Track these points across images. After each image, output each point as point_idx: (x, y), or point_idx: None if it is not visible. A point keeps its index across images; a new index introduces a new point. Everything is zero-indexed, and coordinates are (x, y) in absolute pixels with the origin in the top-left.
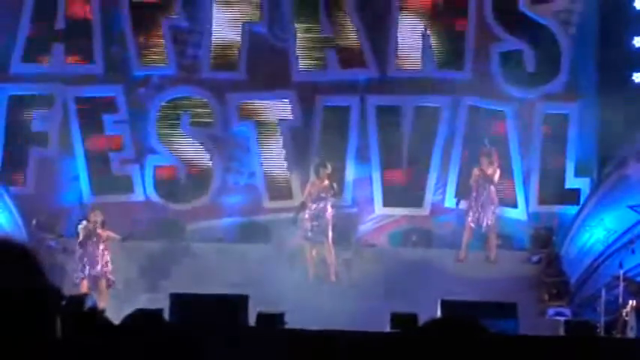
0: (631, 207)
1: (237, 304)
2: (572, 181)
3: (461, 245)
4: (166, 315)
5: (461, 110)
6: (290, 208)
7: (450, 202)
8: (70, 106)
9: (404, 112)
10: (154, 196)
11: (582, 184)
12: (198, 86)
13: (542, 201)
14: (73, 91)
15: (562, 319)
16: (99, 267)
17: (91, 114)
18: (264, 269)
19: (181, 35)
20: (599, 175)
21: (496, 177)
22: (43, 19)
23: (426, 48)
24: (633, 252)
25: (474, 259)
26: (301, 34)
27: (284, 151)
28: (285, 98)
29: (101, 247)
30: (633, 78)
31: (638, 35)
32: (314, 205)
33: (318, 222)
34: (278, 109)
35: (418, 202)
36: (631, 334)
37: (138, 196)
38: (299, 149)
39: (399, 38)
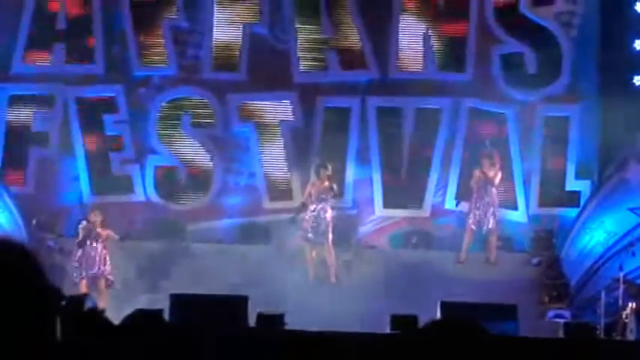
0: (631, 209)
1: (237, 304)
2: (572, 184)
3: (461, 247)
4: (166, 315)
5: (461, 112)
6: (290, 209)
7: (450, 203)
8: (70, 106)
9: (405, 114)
10: (154, 197)
11: (583, 186)
12: (199, 87)
13: (542, 203)
14: (73, 91)
15: (562, 321)
16: (98, 267)
17: (92, 114)
18: (264, 270)
19: (182, 36)
20: (600, 177)
21: (497, 179)
22: (43, 18)
23: (427, 50)
24: (633, 254)
25: (474, 261)
26: (302, 35)
27: (284, 152)
28: (286, 99)
29: (100, 247)
30: (634, 81)
31: (639, 38)
32: (314, 206)
33: (318, 223)
34: (278, 110)
35: (418, 204)
36: (631, 336)
37: (138, 196)
38: (299, 150)
39: (400, 40)
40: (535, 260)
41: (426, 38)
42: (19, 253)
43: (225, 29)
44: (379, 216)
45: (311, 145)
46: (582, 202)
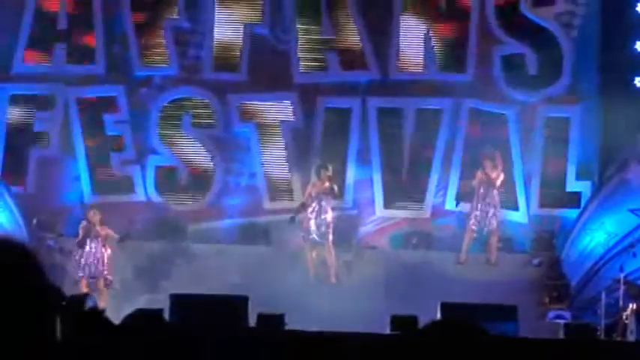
0: (632, 210)
1: (237, 305)
2: (573, 185)
3: (461, 248)
4: (166, 315)
5: (462, 113)
6: (291, 210)
7: (450, 204)
8: (71, 106)
9: (405, 115)
10: (155, 197)
11: (583, 187)
12: (200, 87)
13: (543, 204)
14: (74, 91)
15: (562, 322)
16: (97, 266)
17: (93, 114)
18: (264, 270)
19: (183, 36)
20: (601, 178)
21: (499, 181)
22: (44, 19)
23: (427, 50)
24: (634, 255)
25: (474, 262)
26: (303, 36)
27: (285, 153)
28: (287, 100)
29: (99, 246)
30: (635, 82)
31: (639, 39)
32: (315, 207)
33: (318, 224)
34: (279, 110)
35: (419, 205)
36: (631, 337)
37: (139, 196)
38: (300, 151)
39: (400, 40)
40: (535, 261)
41: (426, 39)
42: (19, 253)
43: (226, 29)
44: (379, 216)
45: (311, 145)
46: (583, 203)
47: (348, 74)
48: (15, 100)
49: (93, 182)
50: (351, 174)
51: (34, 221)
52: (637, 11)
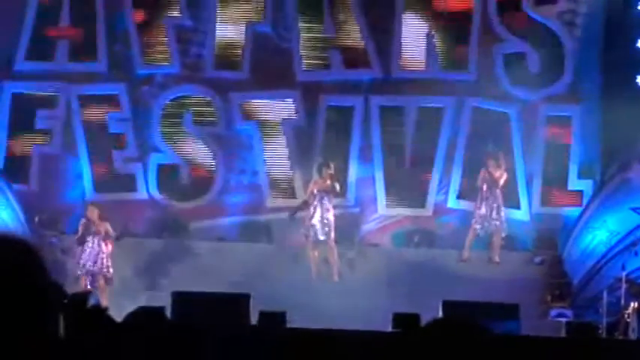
0: (634, 209)
1: (239, 302)
2: (575, 183)
3: (463, 246)
4: (168, 313)
5: (464, 111)
6: (293, 208)
7: (452, 202)
8: (73, 104)
9: (407, 113)
10: (157, 195)
11: (585, 185)
12: (202, 85)
13: (545, 202)
14: (76, 89)
15: (564, 320)
16: (97, 263)
17: (94, 112)
18: (266, 268)
19: (185, 34)
20: (602, 177)
21: (502, 180)
22: (47, 16)
23: (430, 49)
24: (636, 254)
25: (476, 260)
26: (305, 34)
27: (287, 151)
28: (289, 98)
29: (99, 243)
30: (637, 80)
31: None
32: (317, 205)
33: (320, 222)
34: (281, 108)
35: (421, 203)
36: (633, 335)
37: (141, 194)
38: (302, 149)
39: (403, 39)
40: (537, 259)
41: (428, 37)
42: (23, 250)
43: (228, 28)
44: (382, 214)
45: (314, 143)
46: (585, 202)
47: (350, 72)
48: (17, 97)
49: (95, 180)
50: (353, 172)
51: (36, 219)
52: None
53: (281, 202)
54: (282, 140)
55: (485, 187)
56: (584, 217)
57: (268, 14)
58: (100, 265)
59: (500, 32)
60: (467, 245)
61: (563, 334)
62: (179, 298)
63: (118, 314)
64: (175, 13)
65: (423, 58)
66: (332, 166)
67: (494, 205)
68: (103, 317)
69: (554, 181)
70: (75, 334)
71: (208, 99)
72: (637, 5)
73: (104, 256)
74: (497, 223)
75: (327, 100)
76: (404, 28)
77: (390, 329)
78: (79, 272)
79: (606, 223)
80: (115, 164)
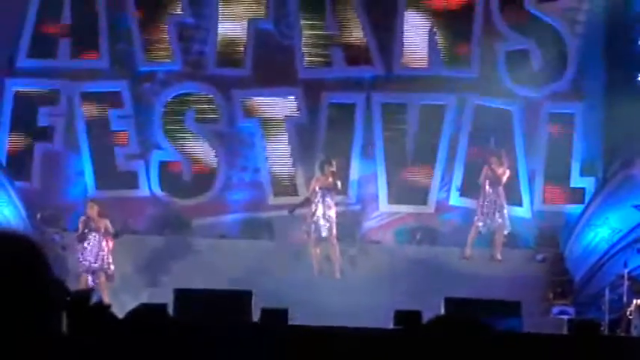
0: (636, 206)
1: (241, 299)
2: (577, 180)
3: (465, 243)
4: (170, 310)
5: (466, 108)
6: (293, 205)
7: (454, 200)
8: (75, 101)
9: (409, 110)
10: (159, 192)
11: (587, 183)
12: (204, 82)
13: (547, 199)
14: (78, 86)
15: (566, 317)
16: (98, 260)
17: (97, 109)
18: (268, 265)
19: (187, 31)
20: (605, 174)
21: (505, 178)
22: (49, 14)
23: (432, 46)
24: (638, 251)
25: (478, 257)
26: (307, 31)
27: (289, 148)
28: (291, 95)
29: (99, 239)
30: (639, 78)
31: None
32: (318, 202)
33: (322, 219)
34: (283, 105)
35: (423, 200)
36: (635, 333)
37: (143, 191)
38: (304, 146)
39: (405, 36)
40: (539, 256)
41: (431, 34)
42: (26, 246)
43: (230, 25)
44: (384, 212)
45: (315, 140)
46: (587, 199)
47: (352, 70)
48: (19, 95)
49: (97, 177)
50: (355, 169)
51: (38, 216)
52: None
53: (283, 199)
54: (284, 137)
55: (487, 184)
56: (586, 215)
57: (270, 11)
58: (101, 262)
59: (503, 29)
60: (469, 242)
61: (565, 331)
62: (181, 295)
63: (119, 311)
64: (178, 11)
65: (425, 56)
66: (334, 163)
67: (497, 202)
68: (107, 315)
69: (557, 178)
70: (78, 332)
71: (210, 96)
72: (639, 4)
73: (105, 253)
74: (500, 220)
75: (329, 98)
76: (406, 25)
77: (391, 326)
78: (79, 269)
79: (608, 220)
80: (116, 161)
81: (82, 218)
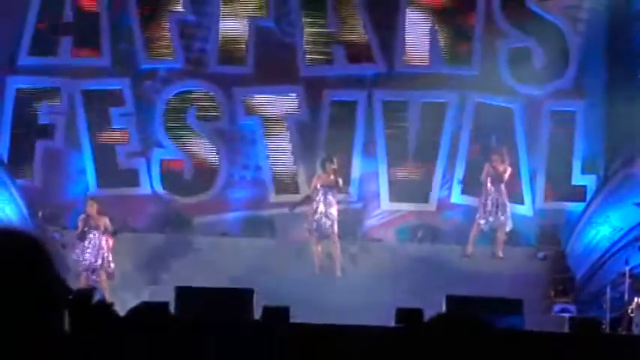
0: (637, 204)
1: (242, 297)
2: (578, 178)
3: (467, 241)
4: (172, 308)
5: (468, 106)
6: (294, 202)
7: (456, 197)
8: (76, 98)
9: (411, 108)
10: (160, 190)
11: (589, 181)
12: (205, 80)
13: (548, 197)
14: (79, 84)
15: (567, 315)
16: (96, 258)
17: (98, 107)
18: (269, 263)
19: (188, 29)
20: (606, 172)
21: (506, 175)
22: (50, 11)
23: (433, 43)
24: (639, 249)
25: (480, 255)
26: (308, 29)
27: (290, 146)
28: (292, 93)
29: (99, 237)
30: None
31: None
32: (320, 200)
33: (323, 217)
34: (285, 103)
35: (424, 198)
36: (636, 330)
37: (144, 189)
38: (305, 144)
39: (406, 33)
40: (541, 254)
41: (432, 32)
42: (29, 244)
43: (232, 23)
44: (385, 209)
45: (317, 138)
46: (588, 197)
47: (353, 67)
48: (21, 92)
49: (98, 175)
50: (357, 167)
51: (39, 213)
52: None
53: (284, 197)
54: (285, 135)
55: (489, 182)
56: (587, 213)
57: (272, 9)
58: (102, 261)
59: (504, 27)
60: (471, 240)
61: (566, 329)
62: (183, 293)
63: (120, 309)
64: (179, 8)
65: (426, 53)
66: (335, 161)
67: (499, 200)
68: (109, 313)
69: (558, 176)
70: (80, 330)
71: (212, 94)
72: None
73: (105, 251)
74: (502, 218)
75: (330, 95)
76: (407, 23)
77: (393, 324)
78: (80, 268)
79: (610, 218)
80: (118, 159)
81: (82, 216)
